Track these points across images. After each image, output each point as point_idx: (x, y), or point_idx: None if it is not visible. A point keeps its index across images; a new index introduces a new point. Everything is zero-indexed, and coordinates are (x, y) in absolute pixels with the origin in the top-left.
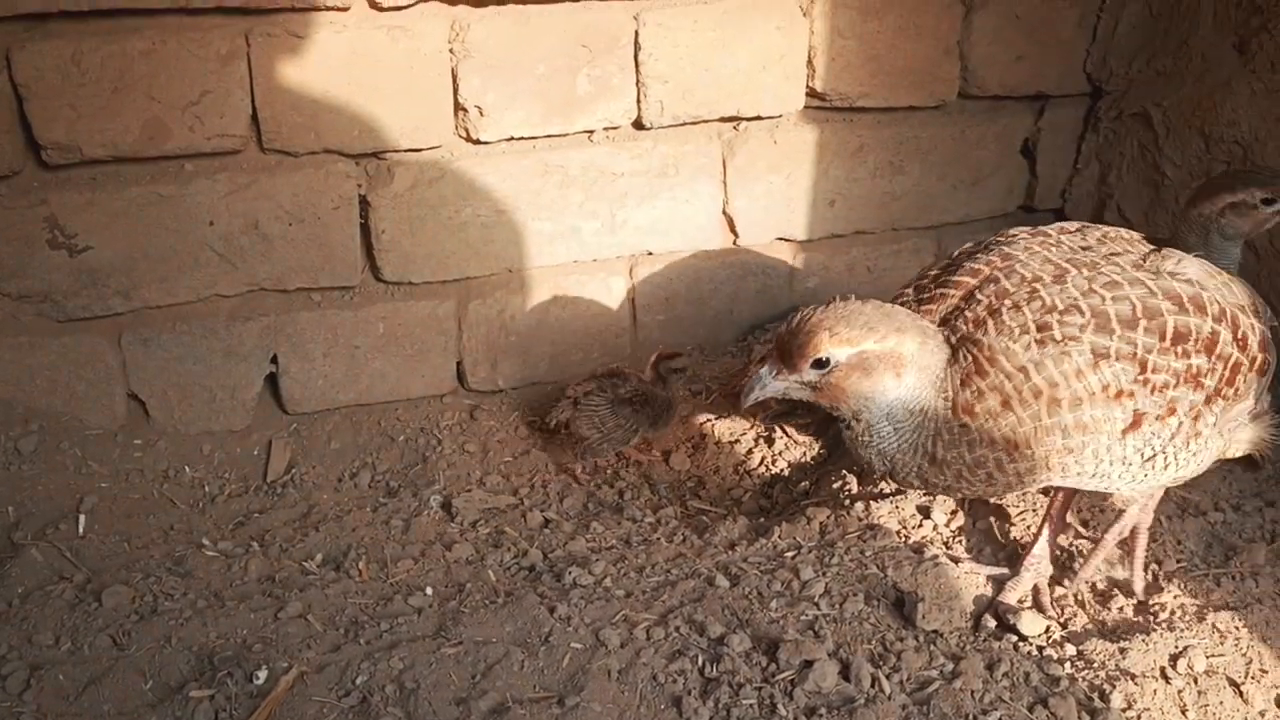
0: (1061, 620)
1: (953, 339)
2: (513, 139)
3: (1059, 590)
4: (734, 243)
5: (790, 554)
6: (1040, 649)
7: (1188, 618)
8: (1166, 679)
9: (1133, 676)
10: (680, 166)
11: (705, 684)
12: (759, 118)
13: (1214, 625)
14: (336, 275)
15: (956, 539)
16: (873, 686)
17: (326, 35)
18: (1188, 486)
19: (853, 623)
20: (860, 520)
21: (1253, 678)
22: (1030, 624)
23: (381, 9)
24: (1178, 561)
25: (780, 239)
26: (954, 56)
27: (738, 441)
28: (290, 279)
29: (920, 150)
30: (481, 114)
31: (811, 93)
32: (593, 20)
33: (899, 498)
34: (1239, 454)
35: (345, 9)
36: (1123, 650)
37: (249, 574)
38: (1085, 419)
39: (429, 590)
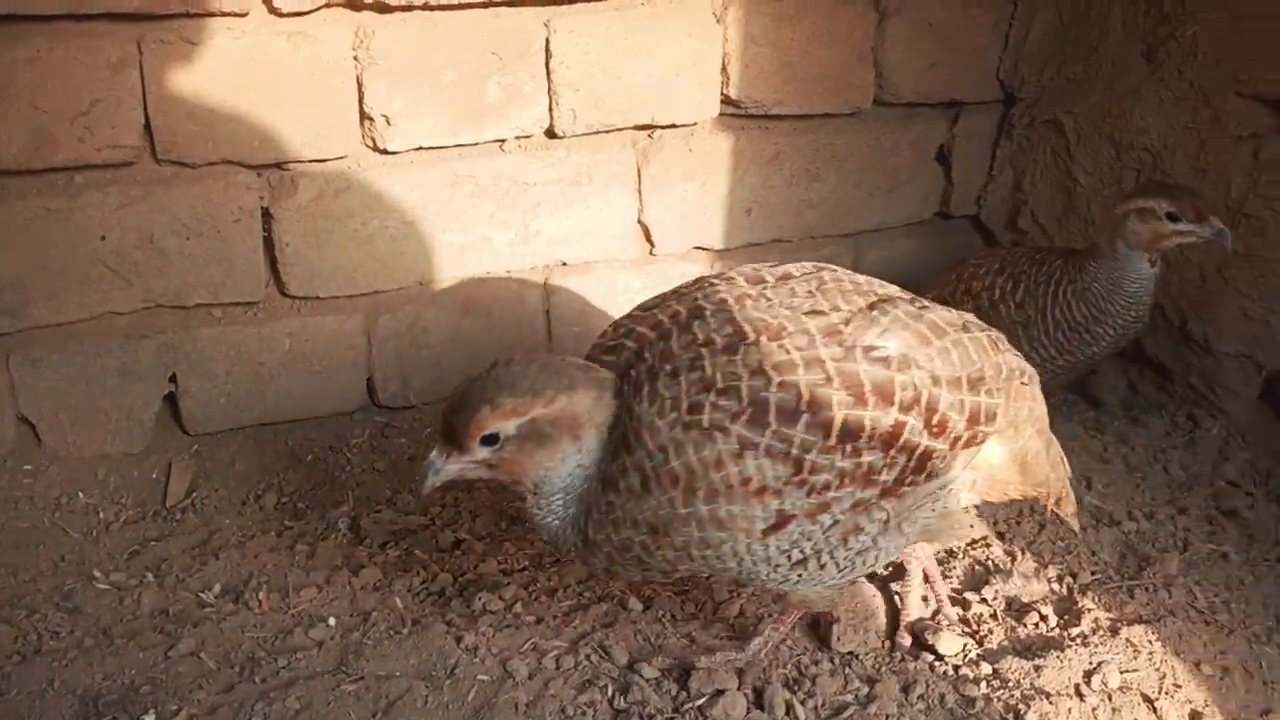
0: (978, 637)
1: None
2: (421, 148)
3: (975, 609)
4: (650, 252)
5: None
6: (956, 669)
7: (1102, 632)
8: (1081, 696)
9: (1047, 695)
10: (594, 175)
11: (615, 715)
12: (673, 125)
13: (1128, 640)
14: (239, 290)
15: None
16: (787, 714)
17: (223, 42)
18: (1100, 496)
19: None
20: None
21: (1166, 693)
22: (948, 643)
23: (281, 14)
24: (1092, 574)
25: (697, 248)
26: (868, 63)
27: None
28: (189, 295)
29: (836, 157)
30: (388, 123)
31: (726, 100)
32: (503, 27)
33: None
34: (974, 501)
35: (243, 14)
36: (1038, 668)
37: (141, 608)
38: (721, 514)
39: (332, 620)
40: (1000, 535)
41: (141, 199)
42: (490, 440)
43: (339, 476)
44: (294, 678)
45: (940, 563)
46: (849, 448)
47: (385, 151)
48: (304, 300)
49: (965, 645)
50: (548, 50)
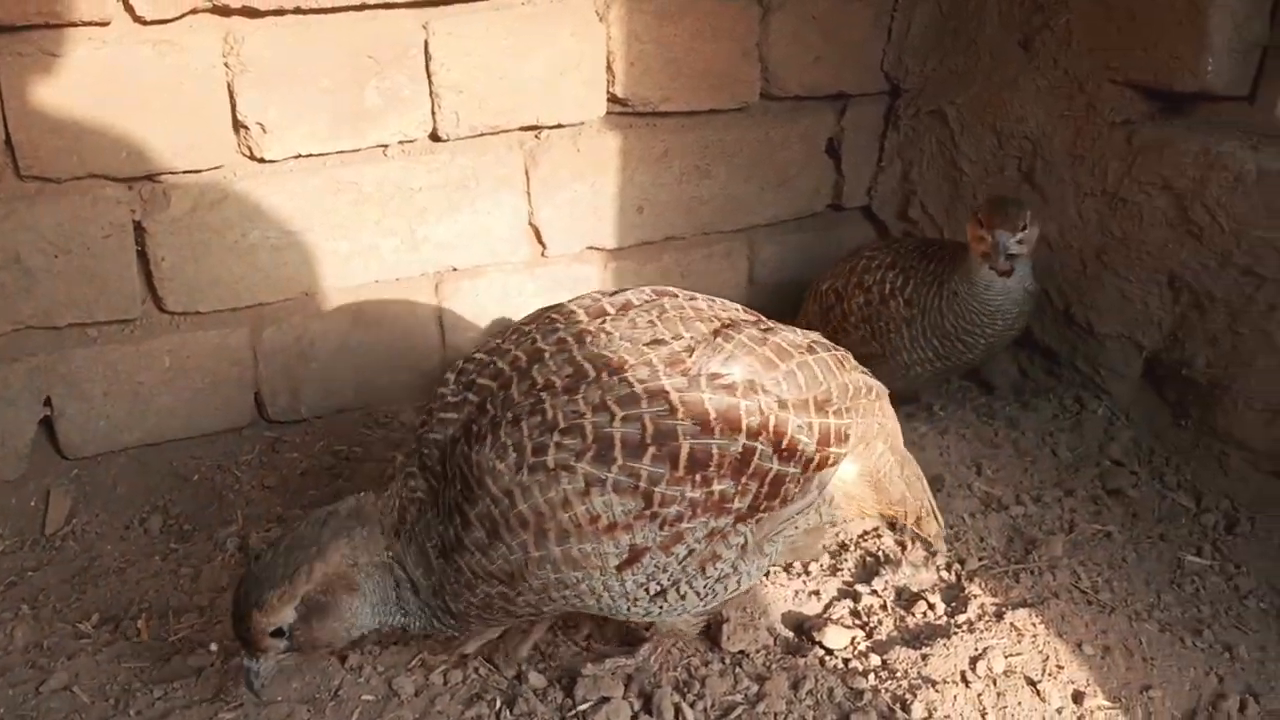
0: (868, 629)
1: (444, 465)
2: (300, 156)
3: (865, 600)
4: (542, 254)
5: None
6: (846, 662)
7: (987, 618)
8: (966, 683)
9: (934, 684)
10: (481, 178)
11: None
12: (560, 126)
13: (1012, 624)
14: (113, 308)
15: None
16: (676, 718)
17: (86, 52)
18: (989, 481)
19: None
20: None
21: (1049, 675)
22: (835, 637)
23: (145, 23)
24: (980, 560)
25: (590, 248)
26: (753, 58)
27: None
28: (60, 315)
29: (725, 153)
30: (264, 131)
31: (613, 98)
32: (379, 30)
33: None
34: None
35: (105, 24)
36: (925, 657)
37: (15, 642)
38: (574, 553)
39: (214, 646)
40: (892, 526)
41: (4, 217)
42: (279, 634)
43: (227, 495)
44: (170, 708)
45: (833, 556)
46: (698, 477)
47: (262, 160)
48: (183, 316)
49: (854, 638)
50: (427, 52)
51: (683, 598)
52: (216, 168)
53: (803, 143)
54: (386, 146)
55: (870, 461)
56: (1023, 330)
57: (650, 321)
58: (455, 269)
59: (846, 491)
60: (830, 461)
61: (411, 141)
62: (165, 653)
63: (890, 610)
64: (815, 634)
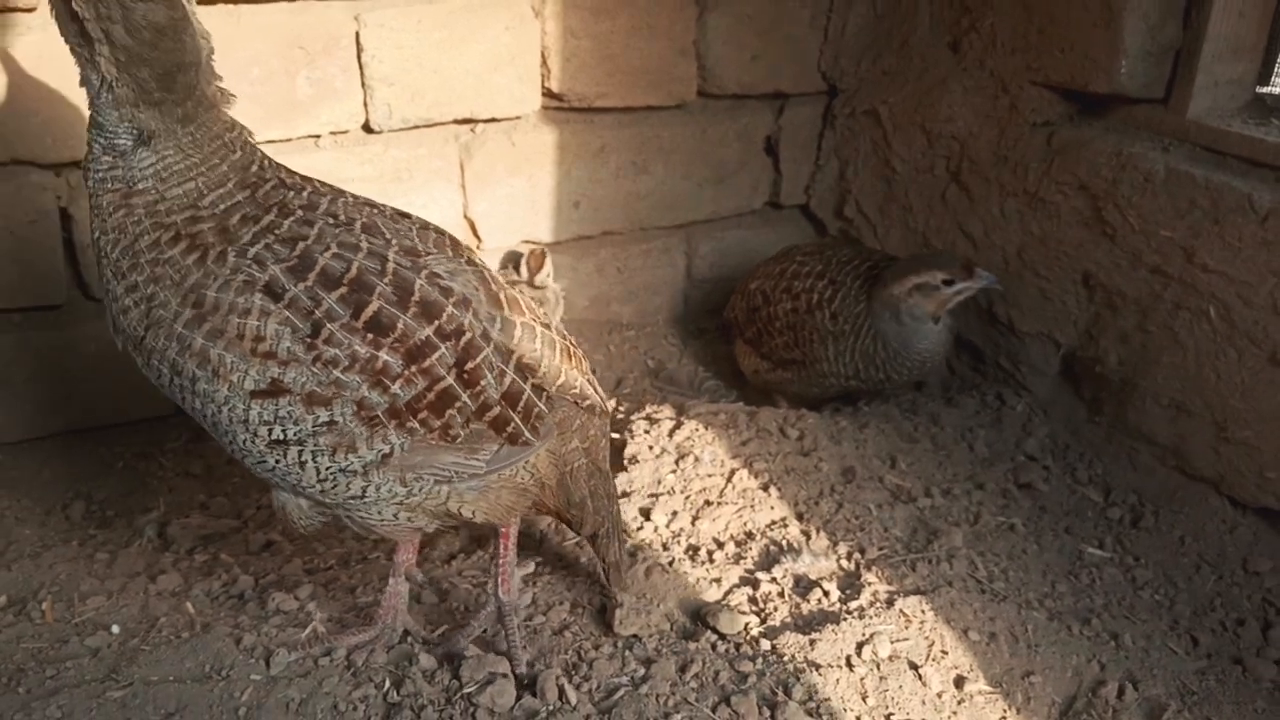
0: (763, 615)
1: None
2: None
3: (764, 588)
4: (478, 247)
5: None
6: (737, 646)
7: (878, 605)
8: (850, 667)
9: (818, 667)
10: (414, 171)
11: (389, 709)
12: (495, 120)
13: (902, 611)
14: (39, 294)
15: (675, 540)
16: (560, 699)
17: (10, 38)
18: (902, 474)
19: (552, 634)
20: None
21: (933, 660)
22: (729, 622)
23: None
24: (880, 549)
25: (526, 242)
26: (690, 56)
27: None
28: None
29: (663, 149)
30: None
31: (549, 93)
32: (310, 20)
33: (623, 500)
34: (480, 519)
35: (31, 9)
36: (813, 642)
37: None
38: (212, 355)
39: (115, 628)
40: (799, 516)
41: None
42: None
43: (150, 482)
44: (59, 686)
45: (739, 544)
46: (371, 336)
47: None
48: None
49: (747, 624)
50: (358, 44)
51: (301, 465)
52: None
53: (741, 141)
54: (318, 137)
55: (561, 451)
56: (941, 365)
57: (422, 235)
58: None
59: (535, 466)
60: (514, 437)
61: (344, 133)
62: (65, 634)
63: (787, 597)
64: (710, 619)
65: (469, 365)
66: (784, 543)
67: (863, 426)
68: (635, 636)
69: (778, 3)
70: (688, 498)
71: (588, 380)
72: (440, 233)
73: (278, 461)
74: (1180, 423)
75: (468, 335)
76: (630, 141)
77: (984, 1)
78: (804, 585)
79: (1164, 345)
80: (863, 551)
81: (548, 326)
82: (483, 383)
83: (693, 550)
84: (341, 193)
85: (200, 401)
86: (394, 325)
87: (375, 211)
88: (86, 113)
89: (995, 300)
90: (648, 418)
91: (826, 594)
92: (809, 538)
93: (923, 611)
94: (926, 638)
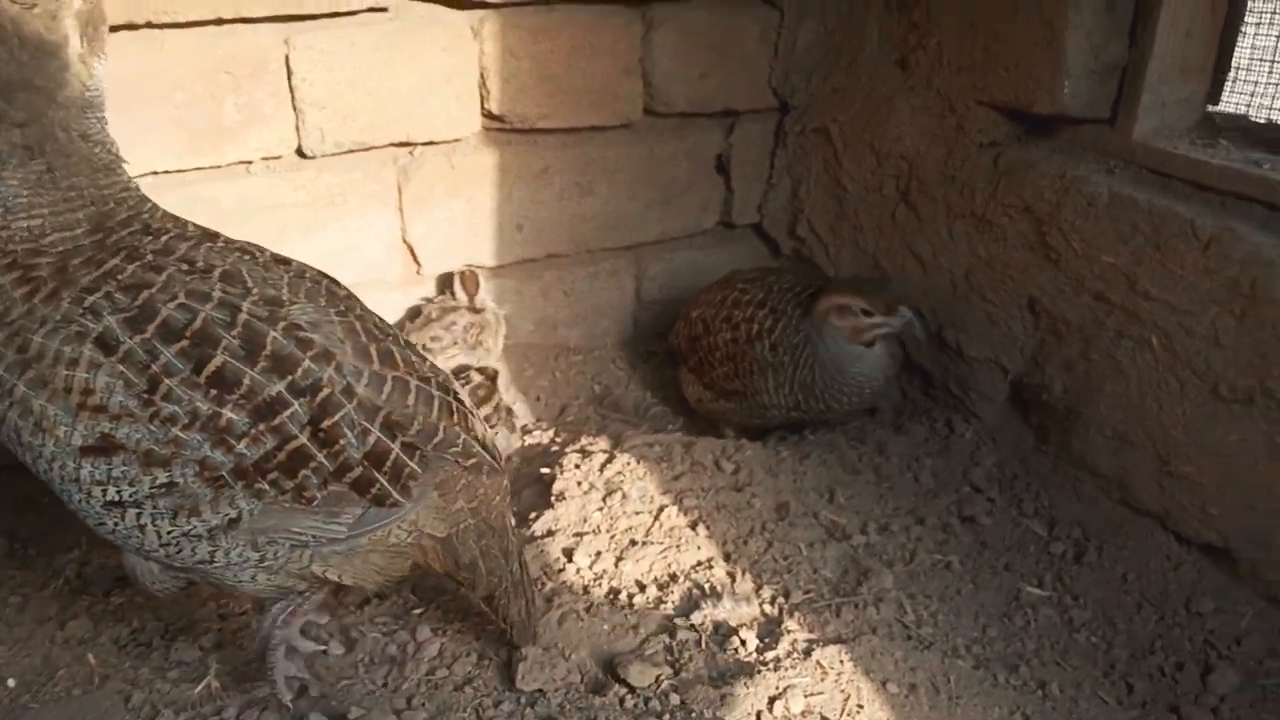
0: (677, 666)
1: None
2: (157, 173)
3: (681, 635)
4: (417, 272)
5: (417, 611)
6: (646, 701)
7: (796, 655)
8: None
9: None
10: (350, 195)
11: None
12: (432, 143)
13: (819, 662)
14: None
15: (597, 582)
16: None
17: None
18: (839, 509)
19: (454, 689)
20: (522, 542)
21: (848, 715)
22: (640, 675)
23: None
24: (805, 593)
25: (468, 266)
26: (636, 74)
27: None
28: None
29: (608, 170)
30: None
31: (489, 115)
32: (237, 45)
33: (547, 540)
34: (350, 583)
35: None
36: (724, 697)
37: None
38: (35, 407)
39: (11, 681)
40: (726, 556)
41: None
42: None
43: (73, 521)
44: None
45: (661, 587)
46: (214, 392)
47: None
48: None
49: (659, 675)
50: (288, 67)
51: (141, 528)
52: None
53: (689, 159)
54: (250, 163)
55: (447, 512)
56: (888, 391)
57: (295, 283)
58: None
59: (417, 524)
60: (380, 498)
61: (276, 158)
62: None
63: (704, 646)
64: (621, 671)
65: (326, 423)
66: (707, 586)
67: (804, 457)
68: (540, 691)
69: (727, 19)
70: (613, 537)
71: (474, 437)
72: (318, 280)
73: (116, 524)
74: (1124, 454)
75: (325, 391)
76: (574, 162)
77: (930, 19)
78: (723, 632)
79: (1107, 374)
80: (787, 595)
81: (426, 381)
82: (342, 441)
83: (613, 594)
84: (214, 237)
85: (29, 455)
86: (239, 380)
87: (246, 258)
88: None
89: (945, 324)
90: (581, 450)
91: (744, 643)
92: (734, 579)
93: (841, 662)
94: (843, 690)
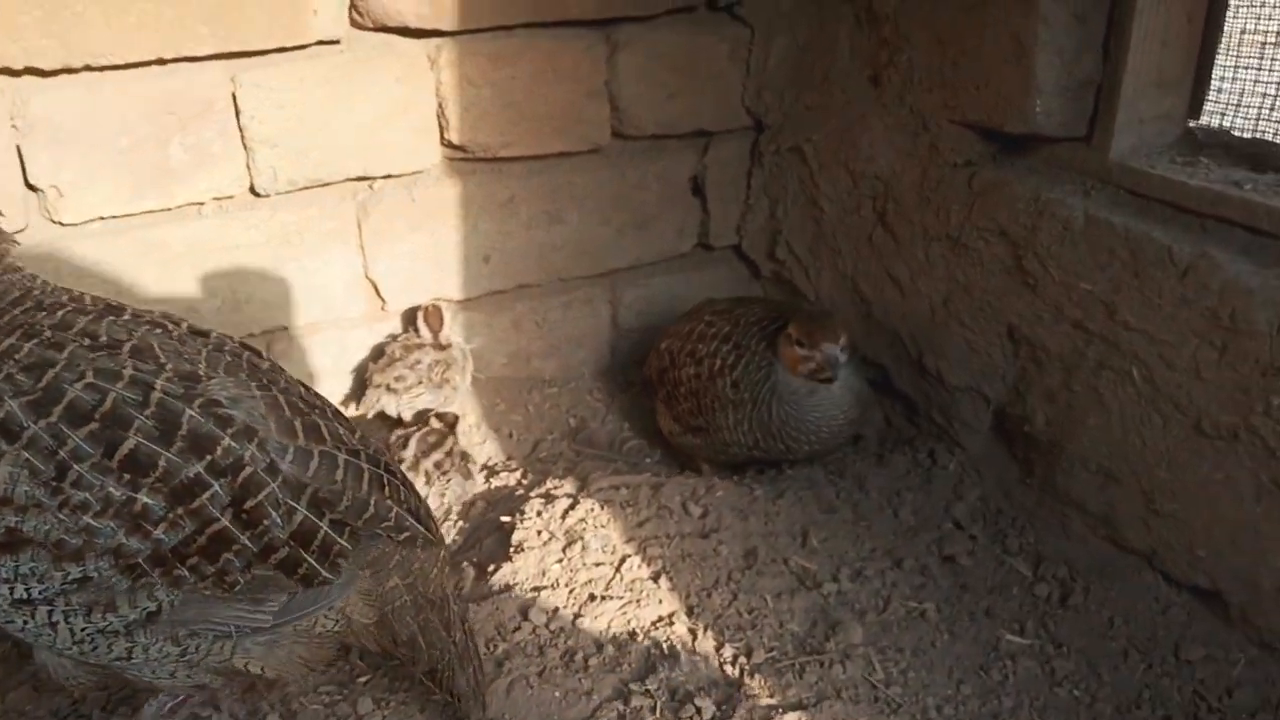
0: None
1: None
2: (104, 218)
3: (635, 701)
4: (382, 308)
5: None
6: None
7: None
8: None
9: None
10: (306, 233)
11: None
12: (391, 176)
13: None
14: None
15: (553, 642)
16: None
17: None
18: (810, 554)
19: None
20: (465, 611)
21: None
22: None
23: None
24: (769, 650)
25: (435, 300)
26: (602, 98)
27: None
28: None
29: (576, 197)
30: (59, 194)
31: (449, 145)
32: (180, 85)
33: (503, 595)
34: (273, 675)
35: None
36: None
37: None
38: None
39: None
40: (689, 610)
41: None
42: None
43: None
44: None
45: (619, 646)
46: (128, 477)
47: (59, 224)
48: None
49: None
50: (235, 106)
51: (53, 626)
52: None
53: (662, 182)
54: (201, 204)
55: (378, 591)
56: (857, 429)
57: (213, 357)
58: (285, 328)
59: (347, 611)
60: (308, 577)
61: (229, 198)
62: None
63: (659, 713)
64: None
65: (249, 503)
66: (666, 645)
67: (778, 496)
68: None
69: (694, 38)
70: (572, 591)
71: (407, 510)
72: (238, 353)
73: (25, 622)
74: (1109, 490)
75: (248, 469)
76: (541, 190)
77: (900, 34)
78: (679, 698)
79: (1089, 406)
80: (749, 654)
81: (355, 454)
82: (266, 522)
83: (569, 655)
84: (119, 310)
85: None
86: (154, 463)
87: (158, 331)
88: None
89: (925, 351)
90: (545, 495)
91: (699, 710)
92: (695, 637)
93: None
94: None
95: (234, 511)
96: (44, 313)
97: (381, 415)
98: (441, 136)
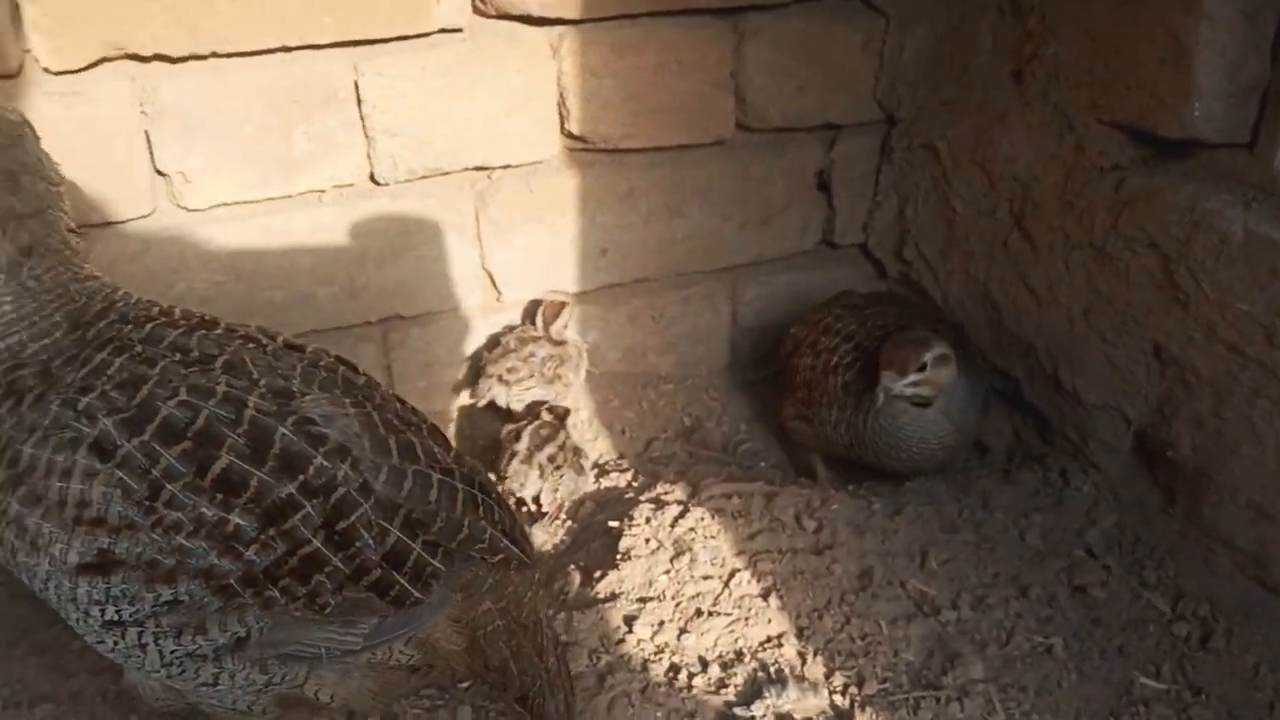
0: None
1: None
2: (227, 204)
3: None
4: (498, 300)
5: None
6: None
7: None
8: None
9: None
10: (425, 223)
11: None
12: (510, 166)
13: None
14: None
15: (658, 657)
16: None
17: None
18: (929, 577)
19: None
20: (559, 635)
21: None
22: None
23: (53, 73)
24: (882, 682)
25: (553, 293)
26: (727, 90)
27: None
28: None
29: (698, 190)
30: (186, 180)
31: (569, 136)
32: (304, 73)
33: (609, 604)
34: (339, 705)
35: (12, 76)
36: None
37: None
38: (29, 524)
39: None
40: (799, 632)
41: None
42: None
43: None
44: None
45: (725, 666)
46: (221, 497)
47: (186, 209)
48: None
49: None
50: (358, 95)
51: (142, 648)
52: (138, 218)
53: (787, 177)
54: (322, 192)
55: (470, 615)
56: (961, 450)
57: (308, 373)
58: (402, 316)
59: (432, 637)
60: (394, 594)
61: (349, 186)
62: None
63: None
64: None
65: (341, 524)
66: (774, 668)
67: (897, 512)
68: None
69: (826, 28)
70: (679, 604)
71: (501, 531)
72: (333, 369)
73: (116, 643)
74: (1260, 527)
75: (340, 490)
76: (662, 183)
77: (1046, 27)
78: None
79: (1242, 435)
80: (861, 684)
81: (450, 474)
82: (358, 543)
83: (673, 672)
84: (212, 324)
85: (26, 575)
86: (246, 483)
87: (251, 345)
88: (76, 178)
89: (1060, 365)
90: (655, 500)
91: None
92: (804, 661)
93: None
94: None
95: (326, 533)
96: (131, 325)
97: (492, 406)
98: (562, 127)
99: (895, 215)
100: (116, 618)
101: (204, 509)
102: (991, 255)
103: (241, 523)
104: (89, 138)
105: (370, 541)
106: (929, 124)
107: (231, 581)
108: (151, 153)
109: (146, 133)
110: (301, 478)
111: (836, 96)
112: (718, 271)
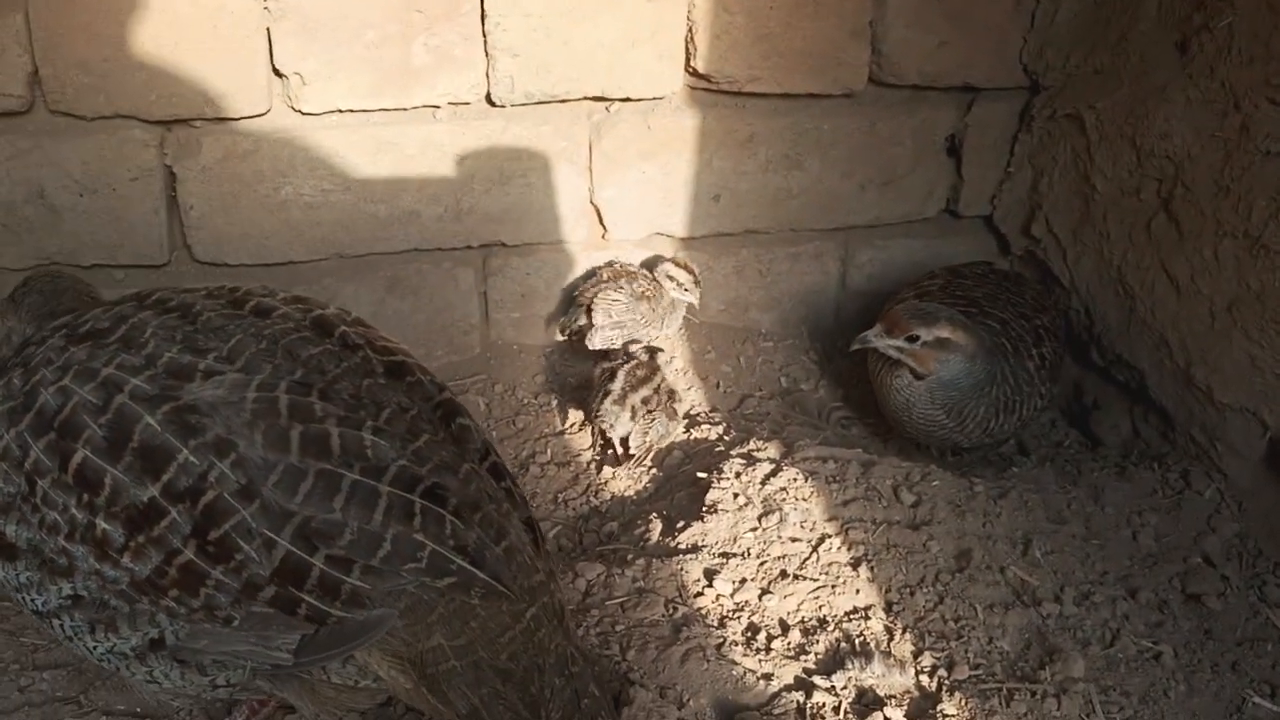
0: None
1: None
2: (340, 111)
3: (817, 697)
4: (602, 236)
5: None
6: None
7: None
8: None
9: None
10: (537, 150)
11: None
12: (629, 99)
13: None
14: (140, 253)
15: (736, 615)
16: None
17: None
18: (1032, 566)
19: None
20: (635, 582)
21: None
22: None
23: None
24: (974, 668)
25: (658, 234)
26: (864, 39)
27: (568, 464)
28: (84, 254)
29: (822, 143)
30: (303, 82)
31: (693, 73)
32: None
33: (690, 556)
34: (311, 714)
35: None
36: None
37: None
38: None
39: None
40: (887, 607)
41: (29, 151)
42: None
43: None
44: None
45: (806, 632)
46: (86, 497)
47: (300, 112)
48: (213, 266)
49: None
50: (482, 9)
51: (69, 639)
52: (250, 117)
53: (916, 138)
54: (436, 108)
55: (414, 649)
56: (965, 437)
57: (247, 321)
58: (504, 244)
59: (373, 666)
60: (302, 612)
61: (465, 104)
62: None
63: (842, 715)
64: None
65: (213, 535)
66: (858, 640)
67: (1001, 495)
68: None
69: None
70: (763, 564)
71: (450, 549)
72: (308, 337)
73: (56, 635)
74: None
75: (210, 494)
76: (784, 132)
77: None
78: (866, 703)
79: None
80: (951, 667)
81: (379, 473)
82: (239, 555)
83: (751, 632)
84: (240, 300)
85: None
86: (101, 480)
87: (222, 310)
88: (193, 70)
89: (1195, 360)
90: (747, 456)
91: None
92: (891, 637)
93: None
94: None
95: (199, 543)
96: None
97: (584, 342)
98: (687, 63)
99: (1027, 189)
100: (36, 608)
101: (74, 510)
102: (1130, 238)
103: (108, 528)
104: (211, 29)
105: (254, 555)
106: (1076, 93)
107: (124, 587)
108: (271, 51)
109: (268, 30)
110: (165, 478)
111: (979, 56)
112: (832, 231)
